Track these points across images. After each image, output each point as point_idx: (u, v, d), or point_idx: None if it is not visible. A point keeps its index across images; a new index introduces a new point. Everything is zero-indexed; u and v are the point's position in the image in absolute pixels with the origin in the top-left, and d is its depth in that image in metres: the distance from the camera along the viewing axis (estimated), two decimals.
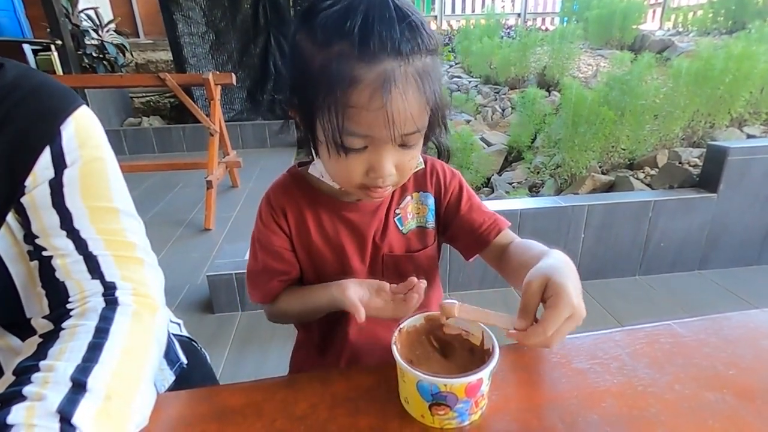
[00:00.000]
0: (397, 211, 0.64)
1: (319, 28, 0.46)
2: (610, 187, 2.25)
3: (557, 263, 0.48)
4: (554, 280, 0.45)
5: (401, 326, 0.49)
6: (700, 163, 2.13)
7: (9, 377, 0.41)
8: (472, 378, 0.41)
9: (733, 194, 1.94)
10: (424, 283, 0.52)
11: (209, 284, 1.76)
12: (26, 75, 0.50)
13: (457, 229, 0.66)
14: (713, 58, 2.35)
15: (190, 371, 0.71)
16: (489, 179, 2.81)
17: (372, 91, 0.44)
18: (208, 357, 0.83)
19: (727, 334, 0.56)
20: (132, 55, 4.89)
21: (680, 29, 5.07)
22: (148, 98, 5.01)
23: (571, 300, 0.43)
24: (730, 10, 4.35)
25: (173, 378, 0.67)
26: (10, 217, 0.49)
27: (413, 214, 0.65)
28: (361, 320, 0.51)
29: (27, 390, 0.39)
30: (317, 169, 0.60)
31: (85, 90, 3.73)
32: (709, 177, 1.97)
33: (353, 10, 0.44)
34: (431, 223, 0.66)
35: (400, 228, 0.64)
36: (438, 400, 0.42)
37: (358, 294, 0.54)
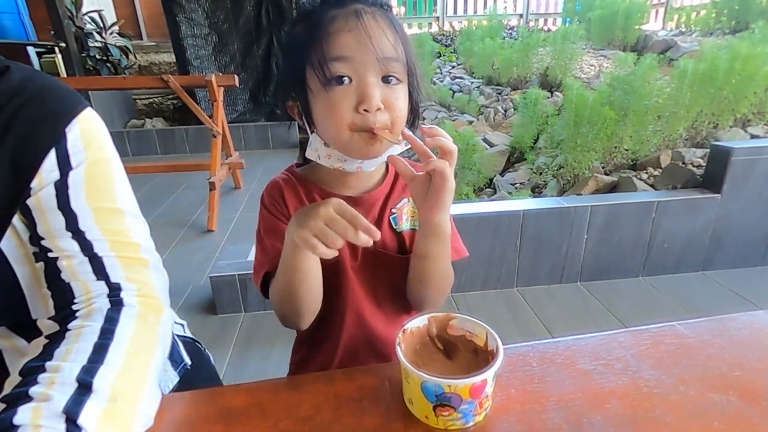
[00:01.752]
0: (393, 210, 0.64)
1: (307, 7, 0.56)
2: (613, 188, 2.24)
3: None
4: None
5: (405, 327, 0.49)
6: (704, 164, 2.12)
7: (15, 378, 0.42)
8: (477, 379, 0.41)
9: (737, 195, 1.93)
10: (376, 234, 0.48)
11: (212, 285, 1.77)
12: (32, 78, 0.51)
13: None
14: (717, 58, 2.35)
15: (194, 372, 0.71)
16: (491, 180, 2.81)
17: (346, 18, 0.53)
18: (212, 358, 0.83)
19: (733, 335, 0.56)
20: (135, 57, 4.91)
21: (683, 29, 5.05)
22: (151, 100, 5.03)
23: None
24: (733, 10, 4.34)
25: (177, 379, 0.68)
26: (16, 219, 0.49)
27: (408, 216, 0.65)
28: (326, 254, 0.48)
29: (33, 390, 0.39)
30: (314, 149, 0.60)
31: (89, 92, 3.74)
32: (712, 177, 1.96)
33: None
34: None
35: (394, 226, 0.65)
36: (442, 401, 0.42)
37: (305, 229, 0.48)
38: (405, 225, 0.65)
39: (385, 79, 0.54)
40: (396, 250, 0.65)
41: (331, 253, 0.48)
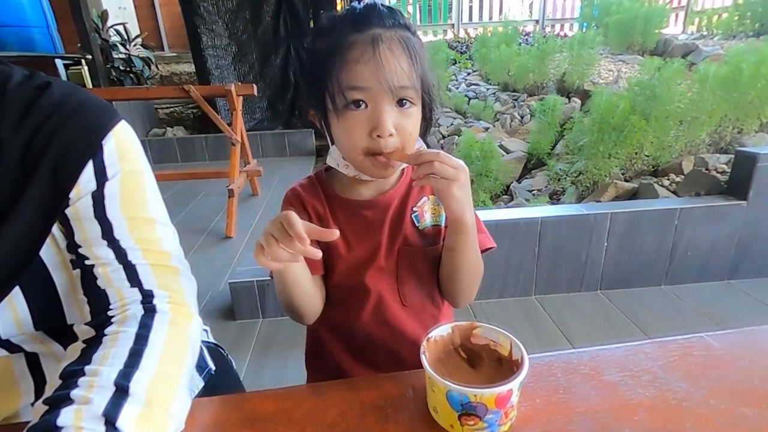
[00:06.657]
0: (414, 209, 0.67)
1: (326, 24, 0.59)
2: (633, 195, 2.21)
3: None
4: None
5: (429, 336, 0.49)
6: (728, 170, 2.07)
7: (55, 381, 0.43)
8: (503, 389, 0.41)
9: (763, 201, 1.88)
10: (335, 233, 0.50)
11: (231, 291, 1.80)
12: (71, 93, 0.53)
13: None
14: (741, 62, 2.30)
15: (217, 377, 0.73)
16: (508, 187, 2.79)
17: (364, 47, 0.55)
18: (234, 363, 0.84)
19: (764, 347, 0.55)
20: (157, 67, 5.05)
21: (704, 33, 4.96)
22: (172, 109, 5.15)
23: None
24: (756, 13, 4.24)
25: (202, 384, 0.69)
26: (55, 228, 0.51)
27: (430, 213, 0.68)
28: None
29: (74, 393, 0.40)
30: (333, 158, 0.65)
31: (113, 102, 3.86)
32: (737, 184, 1.91)
33: (350, 8, 0.58)
34: (445, 222, 0.69)
35: (416, 224, 0.67)
36: (468, 411, 0.42)
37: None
38: (427, 221, 0.68)
39: (400, 103, 0.57)
40: (420, 245, 0.68)
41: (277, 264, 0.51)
